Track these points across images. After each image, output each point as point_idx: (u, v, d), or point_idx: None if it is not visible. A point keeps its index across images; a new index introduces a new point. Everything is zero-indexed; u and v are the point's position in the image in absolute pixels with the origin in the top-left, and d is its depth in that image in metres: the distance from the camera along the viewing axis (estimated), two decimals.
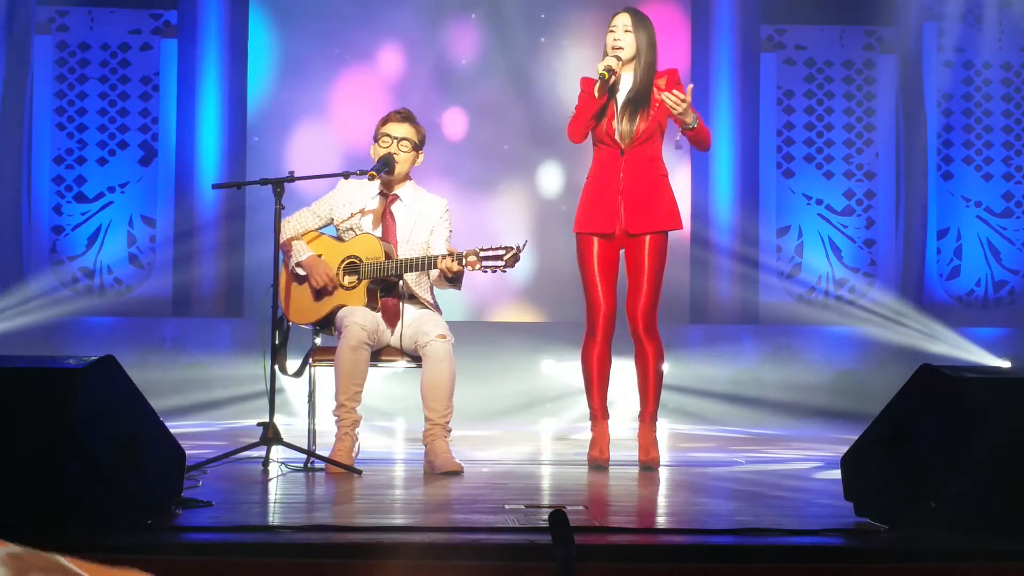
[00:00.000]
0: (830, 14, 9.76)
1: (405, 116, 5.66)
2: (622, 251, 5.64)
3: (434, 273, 5.51)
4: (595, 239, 5.58)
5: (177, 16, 9.47)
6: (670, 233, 5.63)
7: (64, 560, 1.91)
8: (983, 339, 9.39)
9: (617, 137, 5.54)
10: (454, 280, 5.43)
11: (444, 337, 5.37)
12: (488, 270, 5.28)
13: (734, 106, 9.63)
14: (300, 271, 5.55)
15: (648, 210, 5.56)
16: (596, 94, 5.49)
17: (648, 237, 5.57)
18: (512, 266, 5.26)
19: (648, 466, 5.54)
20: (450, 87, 9.58)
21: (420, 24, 9.64)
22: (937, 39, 9.76)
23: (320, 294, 5.53)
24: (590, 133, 5.59)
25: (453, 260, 5.29)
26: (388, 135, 5.61)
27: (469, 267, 5.29)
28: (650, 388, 5.62)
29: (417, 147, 5.64)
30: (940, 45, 9.77)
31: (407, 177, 5.68)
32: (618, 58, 5.53)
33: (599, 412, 5.64)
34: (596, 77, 5.49)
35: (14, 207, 9.17)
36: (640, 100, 5.57)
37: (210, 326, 9.08)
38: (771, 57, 9.81)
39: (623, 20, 5.61)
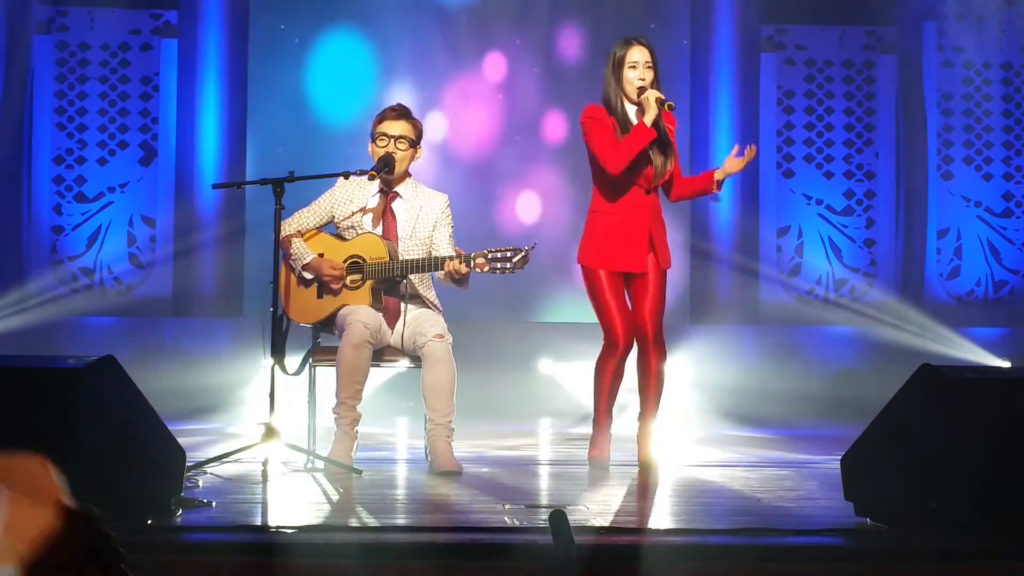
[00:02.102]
0: (830, 14, 9.75)
1: (400, 113, 5.64)
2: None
3: (440, 272, 5.50)
4: (605, 275, 5.56)
5: (177, 16, 9.46)
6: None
7: None
8: (983, 339, 9.39)
9: (652, 178, 5.54)
10: (460, 280, 5.42)
11: (442, 337, 5.36)
12: (496, 272, 5.28)
13: (734, 106, 9.63)
14: (307, 274, 5.54)
15: (665, 247, 5.63)
16: (648, 122, 5.42)
17: (658, 272, 5.62)
18: (521, 268, 5.26)
19: (648, 466, 5.54)
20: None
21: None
22: (937, 39, 9.75)
23: (324, 293, 5.52)
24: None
25: (461, 262, 5.28)
26: (385, 134, 5.60)
27: (477, 269, 5.28)
28: (652, 388, 5.62)
29: (414, 143, 5.63)
30: (940, 45, 9.76)
31: (407, 174, 5.67)
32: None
33: (603, 414, 5.63)
34: (651, 106, 5.40)
35: (14, 207, 9.16)
36: (664, 138, 5.56)
37: (210, 326, 9.07)
38: (771, 57, 9.80)
39: (645, 55, 5.52)
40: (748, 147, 5.65)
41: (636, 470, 5.51)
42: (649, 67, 5.51)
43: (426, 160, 9.79)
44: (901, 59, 9.69)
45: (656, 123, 5.47)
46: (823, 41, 9.84)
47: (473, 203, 9.17)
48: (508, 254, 5.23)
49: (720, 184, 5.66)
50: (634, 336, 5.60)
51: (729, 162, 5.63)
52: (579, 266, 5.65)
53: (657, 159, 5.54)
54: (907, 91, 9.65)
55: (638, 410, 5.67)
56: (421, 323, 5.42)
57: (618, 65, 5.55)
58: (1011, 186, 9.81)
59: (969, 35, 9.76)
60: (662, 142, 5.54)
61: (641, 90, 5.50)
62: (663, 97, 5.46)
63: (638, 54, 5.53)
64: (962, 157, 9.80)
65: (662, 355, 5.62)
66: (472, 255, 5.29)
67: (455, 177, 9.37)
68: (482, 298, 8.51)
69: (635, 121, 5.52)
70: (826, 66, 9.83)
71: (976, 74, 9.80)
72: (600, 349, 5.62)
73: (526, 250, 5.23)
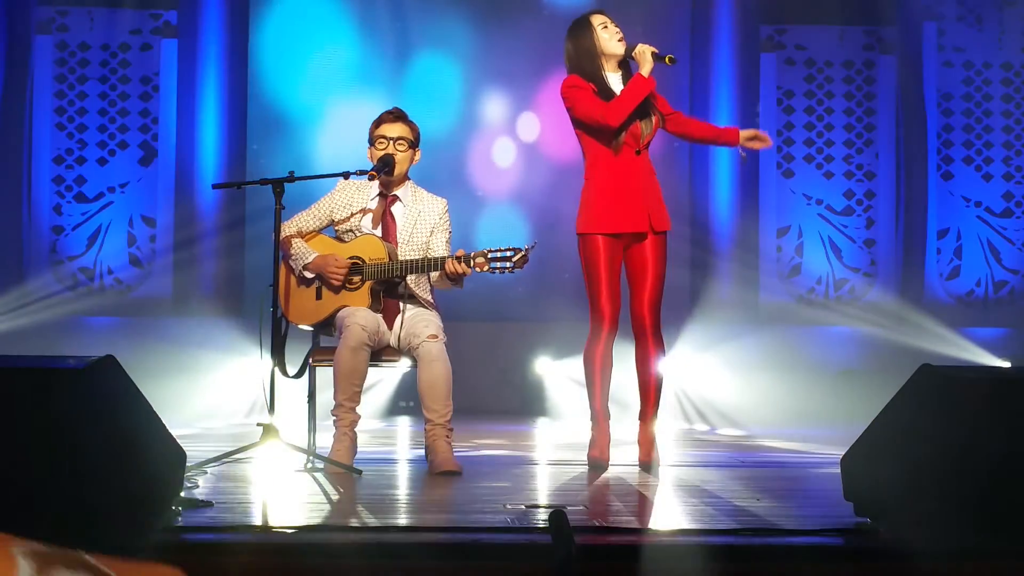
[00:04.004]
0: (830, 14, 9.75)
1: (398, 115, 5.64)
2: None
3: (435, 274, 5.50)
4: (602, 240, 5.55)
5: (177, 16, 9.47)
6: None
7: (88, 557, 1.89)
8: (983, 339, 9.39)
9: (640, 137, 5.56)
10: (456, 280, 5.42)
11: (436, 337, 5.36)
12: (496, 271, 5.27)
13: (734, 106, 9.62)
14: (308, 274, 5.53)
15: (661, 207, 5.61)
16: (646, 74, 5.47)
17: (655, 235, 5.59)
18: (521, 267, 5.25)
19: (648, 466, 5.53)
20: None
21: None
22: (937, 39, 9.75)
23: (323, 294, 5.52)
24: (607, 134, 5.55)
25: (461, 262, 5.28)
26: (383, 137, 5.59)
27: (477, 268, 5.28)
28: (652, 388, 5.61)
29: (413, 145, 5.63)
30: (940, 45, 9.77)
31: (406, 177, 5.67)
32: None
33: (600, 413, 5.62)
34: (647, 59, 5.45)
35: (14, 207, 9.16)
36: (647, 100, 5.58)
37: (210, 326, 9.07)
38: (771, 57, 9.80)
39: (607, 17, 5.62)
40: (764, 137, 5.77)
41: (636, 470, 5.51)
42: (615, 25, 5.58)
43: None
44: (901, 59, 9.69)
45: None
46: (823, 41, 9.84)
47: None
48: (508, 253, 5.23)
49: (745, 149, 5.76)
50: (623, 322, 5.60)
51: (751, 135, 5.72)
52: (577, 237, 5.64)
53: (643, 119, 5.56)
54: (907, 91, 9.65)
55: (637, 410, 5.67)
56: (415, 324, 5.42)
57: (588, 35, 5.56)
58: (1011, 186, 9.82)
59: (969, 35, 9.76)
60: (644, 103, 5.57)
61: (622, 44, 5.55)
62: (657, 50, 5.50)
63: (604, 17, 5.61)
64: (962, 157, 9.80)
65: (661, 350, 5.62)
66: (472, 255, 5.28)
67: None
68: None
69: (612, 85, 5.57)
70: (826, 66, 9.83)
71: (976, 74, 9.80)
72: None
73: (526, 249, 5.22)
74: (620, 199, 5.53)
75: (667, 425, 7.79)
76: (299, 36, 9.61)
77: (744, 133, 5.75)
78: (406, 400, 8.57)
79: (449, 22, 9.59)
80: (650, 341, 5.59)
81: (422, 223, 5.60)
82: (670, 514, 4.37)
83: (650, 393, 5.61)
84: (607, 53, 5.57)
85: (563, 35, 5.65)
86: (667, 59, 5.50)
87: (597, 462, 5.56)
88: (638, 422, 5.65)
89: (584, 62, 5.56)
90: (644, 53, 5.49)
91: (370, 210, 5.61)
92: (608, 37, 5.56)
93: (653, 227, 5.57)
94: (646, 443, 5.59)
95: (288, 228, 5.58)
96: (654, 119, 5.60)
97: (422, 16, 9.56)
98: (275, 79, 9.56)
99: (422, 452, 5.57)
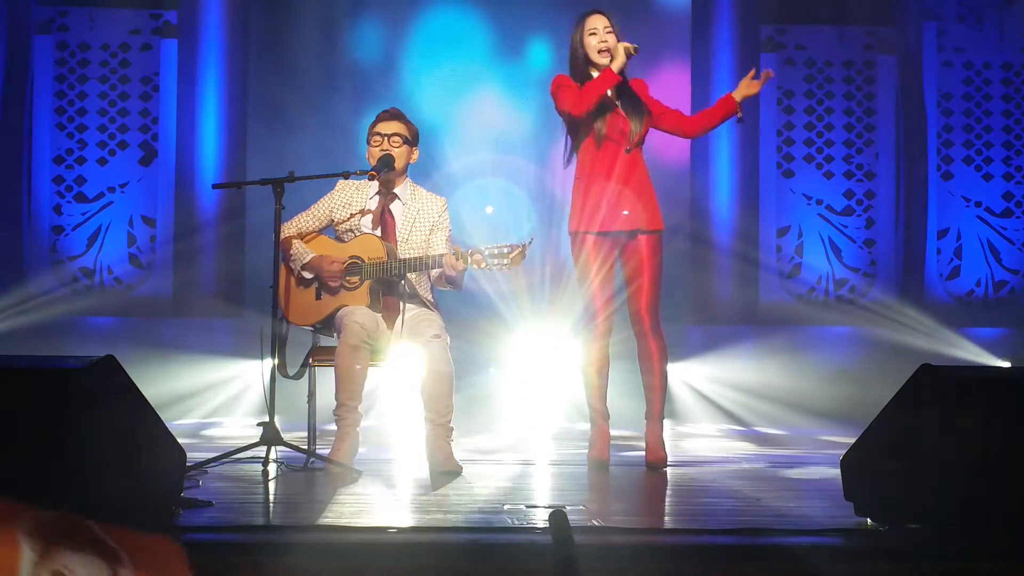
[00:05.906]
0: (830, 14, 9.75)
1: (394, 114, 5.67)
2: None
3: (435, 272, 5.50)
4: (592, 239, 5.55)
5: (177, 16, 9.47)
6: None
7: (95, 528, 1.89)
8: (983, 339, 9.39)
9: (629, 136, 5.57)
10: (454, 280, 5.42)
11: (439, 337, 5.36)
12: (494, 268, 5.27)
13: None
14: (307, 274, 5.54)
15: (653, 207, 5.61)
16: (615, 69, 5.49)
17: (648, 235, 5.59)
18: (518, 264, 5.25)
19: (655, 466, 5.53)
20: None
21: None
22: (937, 39, 9.75)
23: (323, 294, 5.52)
24: (591, 131, 5.57)
25: (458, 259, 5.28)
26: (378, 133, 5.62)
27: (475, 265, 5.28)
28: (656, 387, 5.61)
29: (409, 142, 5.64)
30: (940, 45, 9.77)
31: (404, 176, 5.68)
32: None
33: (599, 413, 5.63)
34: (619, 53, 5.47)
35: (14, 207, 9.16)
36: (637, 100, 5.61)
37: (210, 326, 9.07)
38: (771, 57, 9.80)
39: (603, 22, 5.64)
40: (764, 71, 5.77)
41: (636, 470, 5.51)
42: (609, 32, 5.63)
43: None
44: (901, 59, 9.69)
45: (622, 74, 5.57)
46: (823, 41, 9.84)
47: None
48: (505, 250, 5.23)
49: (740, 106, 5.72)
50: (613, 317, 5.61)
51: (745, 84, 5.73)
52: (568, 236, 5.65)
53: (632, 118, 5.57)
54: (907, 91, 9.64)
55: (636, 410, 5.67)
56: (418, 323, 5.43)
57: (580, 36, 5.61)
58: (1011, 186, 9.82)
59: (969, 35, 9.76)
60: (633, 101, 5.58)
61: (604, 55, 5.58)
62: (630, 45, 5.52)
63: (597, 21, 5.64)
64: (962, 157, 9.80)
65: (663, 351, 5.62)
66: (469, 251, 5.28)
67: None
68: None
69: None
70: (826, 66, 9.83)
71: (976, 74, 9.80)
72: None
73: (523, 245, 5.23)
74: (610, 198, 5.55)
75: (666, 425, 7.78)
76: (300, 35, 9.59)
77: (737, 93, 5.76)
78: (407, 399, 8.56)
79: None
80: (650, 340, 5.60)
81: (421, 222, 5.60)
82: (670, 514, 4.37)
83: (655, 393, 5.62)
84: (592, 60, 5.62)
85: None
86: (633, 48, 5.53)
87: (597, 462, 5.57)
88: (644, 422, 5.64)
89: (577, 63, 5.66)
90: (617, 49, 5.54)
91: (369, 210, 5.62)
92: (592, 44, 5.60)
93: (645, 226, 5.57)
94: (654, 443, 5.58)
95: (288, 229, 5.58)
96: (644, 118, 5.62)
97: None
98: (275, 77, 9.55)
99: (422, 452, 5.58)
